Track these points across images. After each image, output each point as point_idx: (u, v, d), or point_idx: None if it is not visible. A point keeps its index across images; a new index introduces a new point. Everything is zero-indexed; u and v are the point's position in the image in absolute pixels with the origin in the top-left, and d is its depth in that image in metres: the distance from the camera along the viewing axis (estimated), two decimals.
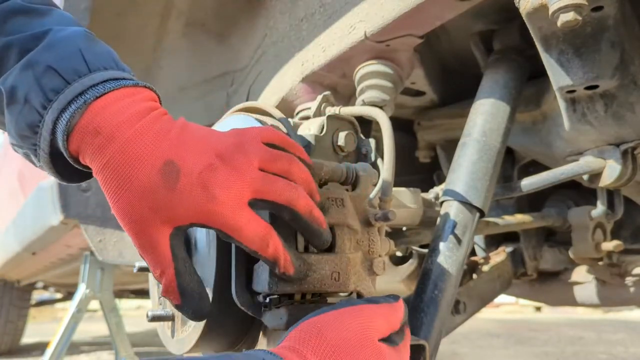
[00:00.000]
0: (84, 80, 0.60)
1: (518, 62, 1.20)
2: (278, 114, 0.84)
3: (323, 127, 0.82)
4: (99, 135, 0.58)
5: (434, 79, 1.39)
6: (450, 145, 1.46)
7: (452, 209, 1.06)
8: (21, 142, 0.64)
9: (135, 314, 10.75)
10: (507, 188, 1.26)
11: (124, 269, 2.60)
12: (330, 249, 0.71)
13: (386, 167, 0.83)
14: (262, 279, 0.67)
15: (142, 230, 0.58)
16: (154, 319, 0.85)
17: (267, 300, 0.70)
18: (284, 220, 0.66)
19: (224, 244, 0.76)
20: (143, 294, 5.47)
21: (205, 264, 0.78)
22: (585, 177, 1.12)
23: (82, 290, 2.65)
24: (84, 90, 0.60)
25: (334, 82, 1.31)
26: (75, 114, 0.59)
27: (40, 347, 4.73)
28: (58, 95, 0.59)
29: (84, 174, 0.67)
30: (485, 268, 1.43)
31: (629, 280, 1.62)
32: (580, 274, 1.70)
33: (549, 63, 0.94)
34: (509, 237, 1.68)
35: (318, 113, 0.97)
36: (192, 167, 0.59)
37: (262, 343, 0.77)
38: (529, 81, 1.22)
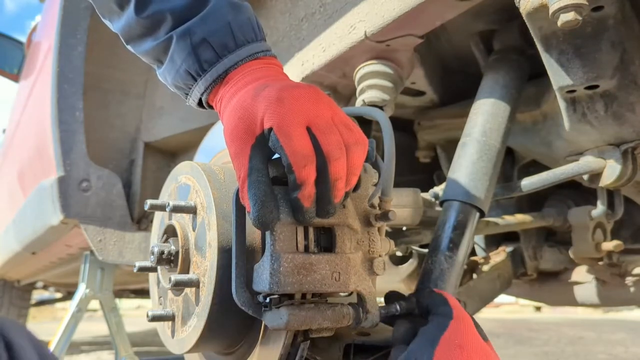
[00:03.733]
0: (232, 57, 0.76)
1: (518, 62, 1.20)
2: None
3: None
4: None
5: (434, 79, 1.39)
6: (450, 145, 1.46)
7: (452, 209, 1.06)
8: (174, 88, 0.83)
9: (135, 314, 10.74)
10: (507, 188, 1.26)
11: (124, 268, 2.60)
12: (331, 249, 0.71)
13: (386, 167, 0.83)
14: (262, 279, 0.67)
15: (234, 144, 0.69)
16: (154, 318, 0.85)
17: (267, 300, 0.70)
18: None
19: (224, 244, 0.76)
20: (143, 293, 5.46)
21: (206, 264, 0.78)
22: (585, 177, 1.12)
23: (82, 290, 2.64)
24: (231, 65, 0.76)
25: (334, 82, 1.31)
26: (220, 79, 0.77)
27: None
28: (211, 67, 0.76)
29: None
30: (485, 268, 1.43)
31: (629, 280, 1.62)
32: (580, 274, 1.70)
33: (549, 63, 0.94)
34: (509, 237, 1.68)
35: None
36: (275, 84, 0.70)
37: (262, 343, 0.77)
38: (529, 81, 1.22)
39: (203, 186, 0.81)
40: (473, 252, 1.71)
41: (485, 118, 1.13)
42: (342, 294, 0.76)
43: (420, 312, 0.81)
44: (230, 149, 0.70)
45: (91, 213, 2.09)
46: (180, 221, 0.86)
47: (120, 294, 5.33)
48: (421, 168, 1.71)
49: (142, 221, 2.25)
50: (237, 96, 0.72)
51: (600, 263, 1.59)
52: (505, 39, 1.25)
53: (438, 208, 1.25)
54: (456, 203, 1.06)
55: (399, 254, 1.46)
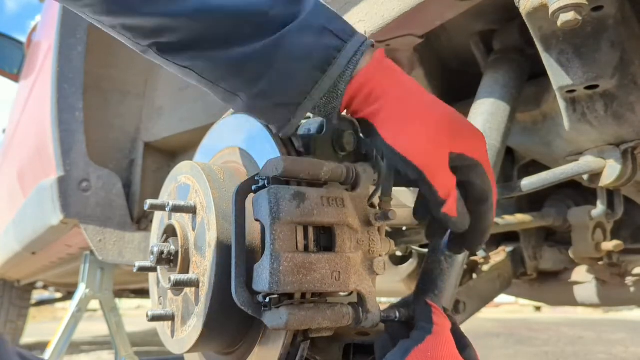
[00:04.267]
0: (354, 41, 0.68)
1: (518, 62, 1.20)
2: None
3: (323, 127, 0.81)
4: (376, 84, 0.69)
5: (434, 79, 1.39)
6: None
7: None
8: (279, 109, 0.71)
9: (135, 313, 10.73)
10: (507, 188, 1.25)
11: (124, 268, 2.60)
12: (331, 248, 0.71)
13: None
14: (262, 279, 0.67)
15: (438, 153, 0.67)
16: (154, 318, 0.85)
17: (267, 299, 0.70)
18: None
19: (224, 244, 0.76)
20: (143, 293, 5.46)
21: (206, 264, 0.78)
22: (585, 177, 1.12)
23: (82, 290, 2.64)
24: (358, 48, 0.68)
25: None
26: (349, 67, 0.68)
27: (40, 347, 4.73)
28: (340, 52, 0.67)
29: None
30: (485, 268, 1.43)
31: (629, 280, 1.62)
32: (580, 274, 1.70)
33: (549, 63, 0.94)
34: (509, 237, 1.68)
35: None
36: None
37: (261, 343, 0.77)
38: (529, 81, 1.22)
39: (203, 186, 0.81)
40: None
41: (485, 118, 1.13)
42: (342, 293, 0.76)
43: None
44: (432, 155, 0.68)
45: (91, 213, 2.10)
46: (180, 221, 0.86)
47: (120, 294, 5.33)
48: None
49: (142, 221, 2.25)
50: (416, 94, 0.71)
51: (600, 263, 1.59)
52: (505, 39, 1.25)
53: None
54: None
55: (399, 254, 1.46)
